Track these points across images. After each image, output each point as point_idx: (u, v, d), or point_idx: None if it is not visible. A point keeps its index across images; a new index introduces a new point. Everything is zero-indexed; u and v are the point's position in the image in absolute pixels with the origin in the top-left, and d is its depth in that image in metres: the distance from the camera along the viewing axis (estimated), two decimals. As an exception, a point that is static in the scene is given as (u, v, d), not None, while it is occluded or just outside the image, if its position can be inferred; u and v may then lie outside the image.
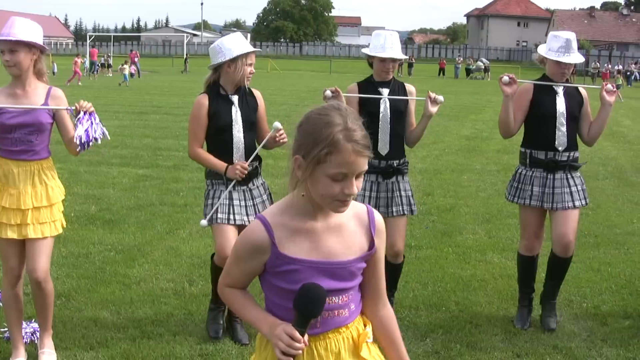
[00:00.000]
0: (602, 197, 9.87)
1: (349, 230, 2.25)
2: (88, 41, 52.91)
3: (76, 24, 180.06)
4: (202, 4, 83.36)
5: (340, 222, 2.24)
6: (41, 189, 4.12)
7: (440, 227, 8.04)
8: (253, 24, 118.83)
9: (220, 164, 4.51)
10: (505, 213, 8.70)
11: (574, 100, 4.98)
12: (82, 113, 3.99)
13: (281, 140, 4.50)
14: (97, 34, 78.40)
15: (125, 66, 35.38)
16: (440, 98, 4.89)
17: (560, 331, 5.04)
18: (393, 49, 4.83)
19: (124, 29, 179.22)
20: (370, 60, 4.98)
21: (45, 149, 4.15)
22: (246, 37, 4.82)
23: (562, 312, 5.37)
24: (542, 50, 5.04)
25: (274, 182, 9.87)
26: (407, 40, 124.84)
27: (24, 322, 4.48)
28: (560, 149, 4.90)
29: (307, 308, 2.09)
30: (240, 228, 4.55)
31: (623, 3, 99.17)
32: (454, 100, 26.35)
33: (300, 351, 2.11)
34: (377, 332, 2.38)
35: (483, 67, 53.87)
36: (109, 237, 7.17)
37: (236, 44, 4.49)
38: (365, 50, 4.99)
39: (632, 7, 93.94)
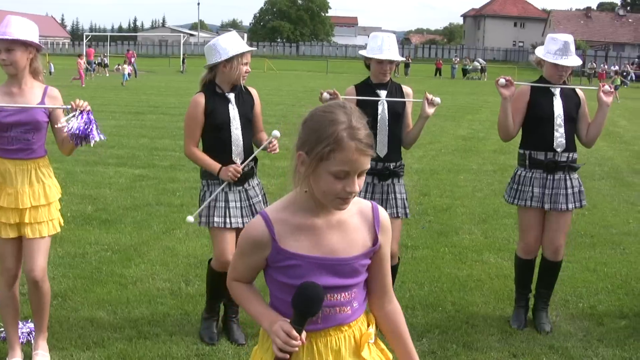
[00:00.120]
0: (598, 197, 9.89)
1: (352, 227, 2.26)
2: (85, 41, 52.91)
3: (73, 24, 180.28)
4: (198, 3, 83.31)
5: (343, 218, 2.25)
6: (38, 187, 4.12)
7: (437, 227, 8.04)
8: (250, 24, 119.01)
9: (214, 165, 4.51)
10: (502, 213, 8.71)
11: (571, 101, 4.98)
12: (78, 112, 3.98)
13: (272, 152, 4.60)
14: (93, 33, 78.32)
15: (125, 66, 35.37)
16: (437, 100, 4.89)
17: (557, 331, 5.05)
18: (390, 51, 4.83)
19: (120, 29, 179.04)
20: (368, 62, 4.98)
21: (42, 148, 4.14)
22: (243, 37, 4.82)
23: (559, 312, 5.38)
24: (539, 52, 5.04)
25: (270, 182, 9.90)
26: (404, 40, 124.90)
27: (20, 322, 4.47)
28: (558, 150, 4.91)
29: (305, 306, 2.10)
30: (239, 231, 4.57)
31: (619, 3, 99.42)
32: (450, 101, 26.37)
33: (297, 348, 2.12)
34: (384, 327, 2.39)
35: (479, 67, 53.99)
36: (106, 237, 7.16)
37: (232, 44, 4.49)
38: (362, 52, 4.99)
39: (628, 8, 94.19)
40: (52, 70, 39.06)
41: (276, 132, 4.43)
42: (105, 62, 45.41)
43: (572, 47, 4.91)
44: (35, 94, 4.09)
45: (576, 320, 5.28)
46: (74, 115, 3.97)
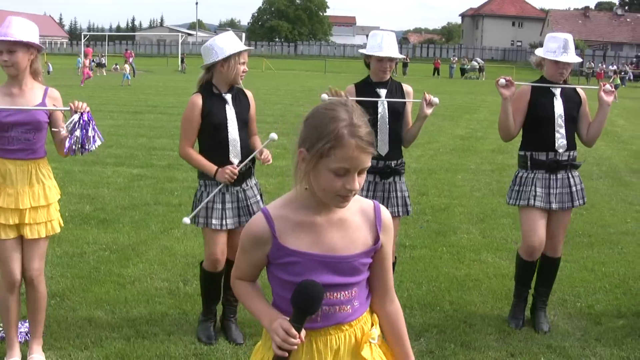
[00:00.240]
0: (596, 196, 9.90)
1: (353, 226, 2.26)
2: (83, 40, 52.78)
3: (71, 23, 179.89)
4: (196, 3, 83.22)
5: (344, 216, 2.25)
6: (38, 188, 4.12)
7: (435, 226, 8.05)
8: (248, 24, 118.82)
9: (210, 166, 4.50)
10: (500, 213, 8.72)
11: (572, 101, 4.98)
12: (78, 115, 3.99)
13: (265, 163, 4.65)
14: (91, 33, 78.23)
15: (126, 66, 35.38)
16: (436, 100, 4.89)
17: (554, 330, 5.05)
18: (390, 48, 4.84)
19: (118, 29, 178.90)
20: (368, 60, 4.99)
21: (42, 148, 4.14)
22: (241, 37, 4.82)
23: (556, 312, 5.39)
24: (539, 52, 5.04)
25: (269, 182, 9.90)
26: (402, 40, 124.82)
27: (19, 322, 4.47)
28: (560, 150, 4.91)
29: (304, 304, 2.11)
30: (236, 231, 4.59)
31: (617, 3, 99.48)
32: (448, 100, 26.38)
33: (296, 347, 2.12)
34: (384, 327, 2.40)
35: (478, 67, 53.99)
36: (104, 237, 7.16)
37: (229, 43, 4.49)
38: (362, 51, 5.01)
39: (626, 7, 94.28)
40: (51, 69, 39.03)
41: (273, 135, 4.42)
42: (103, 61, 45.34)
43: (572, 45, 4.91)
44: (35, 95, 4.09)
45: (574, 319, 5.28)
46: (74, 125, 3.98)
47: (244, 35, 74.01)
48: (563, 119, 4.90)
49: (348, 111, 2.12)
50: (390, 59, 4.87)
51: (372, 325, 2.36)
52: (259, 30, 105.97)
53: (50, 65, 39.72)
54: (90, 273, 6.02)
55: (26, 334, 4.53)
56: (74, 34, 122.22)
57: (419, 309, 5.41)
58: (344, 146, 2.07)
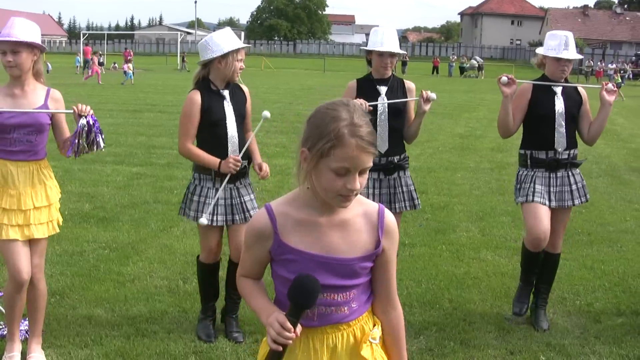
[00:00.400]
0: (595, 195, 9.89)
1: (354, 228, 2.26)
2: (82, 39, 52.71)
3: (70, 22, 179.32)
4: (195, 2, 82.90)
5: (346, 218, 2.25)
6: (40, 188, 4.12)
7: (434, 224, 8.05)
8: (247, 22, 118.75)
9: (212, 160, 4.50)
10: (499, 211, 8.72)
11: (573, 100, 4.98)
12: (84, 120, 4.00)
13: (262, 179, 4.78)
14: (90, 32, 78.11)
15: (130, 65, 35.36)
16: (433, 96, 4.91)
17: (554, 328, 5.06)
18: (391, 44, 4.86)
19: (117, 27, 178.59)
20: (369, 57, 5.01)
21: (44, 150, 4.15)
22: (240, 35, 4.82)
23: (556, 310, 5.40)
24: (540, 51, 5.05)
25: (267, 180, 9.87)
26: (401, 38, 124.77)
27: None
28: (560, 149, 4.91)
29: (300, 298, 2.10)
30: (238, 229, 4.63)
31: (616, 1, 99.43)
32: (447, 99, 26.39)
33: (290, 341, 2.11)
34: (384, 332, 2.39)
35: (477, 65, 53.94)
36: (103, 235, 7.17)
37: (226, 40, 4.49)
38: (363, 47, 5.03)
39: (625, 6, 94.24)
40: (50, 68, 39.00)
41: (266, 113, 4.43)
42: (102, 60, 45.27)
43: (572, 43, 4.92)
44: (37, 96, 4.09)
45: (573, 317, 5.29)
46: (78, 133, 4.00)
47: (243, 33, 74.00)
48: (563, 117, 4.90)
49: (349, 111, 2.12)
50: (391, 54, 4.88)
51: (375, 325, 2.35)
52: (258, 29, 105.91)
53: (49, 65, 39.66)
54: (90, 271, 6.02)
55: (26, 332, 4.53)
56: (72, 32, 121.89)
57: (418, 307, 5.42)
58: (345, 146, 2.07)
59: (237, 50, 4.51)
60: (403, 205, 4.94)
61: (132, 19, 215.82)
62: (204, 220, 4.48)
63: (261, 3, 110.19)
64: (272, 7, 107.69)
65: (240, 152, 4.56)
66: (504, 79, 4.88)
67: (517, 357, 4.62)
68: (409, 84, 5.06)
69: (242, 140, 4.63)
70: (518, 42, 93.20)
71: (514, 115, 4.95)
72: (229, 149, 4.55)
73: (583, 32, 77.71)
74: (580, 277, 6.23)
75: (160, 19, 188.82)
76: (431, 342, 4.77)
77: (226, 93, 4.59)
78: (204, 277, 4.85)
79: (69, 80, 33.33)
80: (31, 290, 4.22)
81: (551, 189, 4.93)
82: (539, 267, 5.19)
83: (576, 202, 5.00)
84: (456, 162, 12.70)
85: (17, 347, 4.31)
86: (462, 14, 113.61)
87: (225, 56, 4.47)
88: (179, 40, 64.43)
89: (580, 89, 5.10)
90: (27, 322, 4.56)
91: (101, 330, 4.79)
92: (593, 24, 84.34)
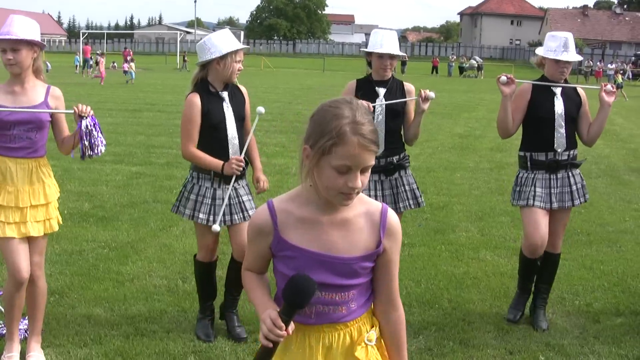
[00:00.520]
0: (594, 195, 9.89)
1: (356, 227, 2.25)
2: (81, 38, 52.63)
3: (69, 21, 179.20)
4: (195, 1, 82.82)
5: (348, 217, 2.24)
6: (38, 186, 4.12)
7: (433, 224, 8.05)
8: (246, 22, 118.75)
9: (216, 162, 4.50)
10: (498, 211, 8.72)
11: (572, 101, 4.98)
12: (85, 120, 4.00)
13: (260, 192, 4.82)
14: (90, 31, 77.92)
15: (132, 64, 35.34)
16: (431, 94, 4.92)
17: (553, 328, 5.06)
18: (390, 46, 4.86)
19: (117, 27, 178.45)
20: (369, 58, 5.01)
21: (43, 147, 4.15)
22: (240, 35, 4.82)
23: (555, 310, 5.40)
24: (540, 51, 5.05)
25: (267, 180, 9.88)
26: (401, 38, 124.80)
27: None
28: (559, 150, 4.91)
29: (293, 298, 2.09)
30: (239, 228, 4.63)
31: (616, 2, 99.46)
32: (447, 99, 26.41)
33: (281, 338, 2.10)
34: (384, 333, 2.38)
35: (476, 65, 53.96)
36: (102, 234, 7.17)
37: (225, 41, 4.49)
38: (363, 49, 5.03)
39: (625, 6, 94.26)
40: (49, 67, 38.97)
41: (260, 109, 4.44)
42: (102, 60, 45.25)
43: (572, 44, 4.91)
44: (37, 93, 4.09)
45: (572, 317, 5.29)
46: (80, 135, 4.02)
47: (242, 33, 73.97)
48: (563, 118, 4.90)
49: (352, 109, 2.12)
50: (391, 56, 4.89)
51: (372, 327, 2.35)
52: (257, 29, 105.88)
53: (48, 64, 39.62)
54: (89, 271, 6.02)
55: (25, 331, 4.53)
56: (72, 32, 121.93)
57: (417, 306, 5.42)
58: (346, 143, 2.06)
59: (235, 52, 4.50)
60: (407, 204, 4.95)
61: (131, 18, 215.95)
62: (216, 227, 4.48)
63: (261, 2, 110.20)
64: (271, 7, 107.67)
65: (241, 152, 4.56)
66: (503, 78, 4.88)
67: (516, 357, 4.62)
68: (409, 86, 5.06)
69: (242, 141, 4.63)
70: (517, 42, 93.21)
71: (514, 116, 4.95)
72: (230, 150, 4.55)
73: (582, 32, 77.77)
74: (580, 277, 6.23)
75: (160, 18, 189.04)
76: (430, 342, 4.77)
77: (225, 95, 4.59)
78: (202, 276, 4.85)
79: (69, 79, 33.29)
80: (31, 288, 4.22)
81: (552, 191, 4.94)
82: (536, 274, 5.20)
83: (576, 202, 5.01)
84: (455, 162, 12.70)
85: (17, 347, 4.31)
86: (461, 14, 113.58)
87: (223, 57, 4.47)
88: (179, 39, 64.47)
89: (580, 90, 5.10)
90: (26, 321, 4.56)
91: (100, 330, 4.79)
92: (592, 24, 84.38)
